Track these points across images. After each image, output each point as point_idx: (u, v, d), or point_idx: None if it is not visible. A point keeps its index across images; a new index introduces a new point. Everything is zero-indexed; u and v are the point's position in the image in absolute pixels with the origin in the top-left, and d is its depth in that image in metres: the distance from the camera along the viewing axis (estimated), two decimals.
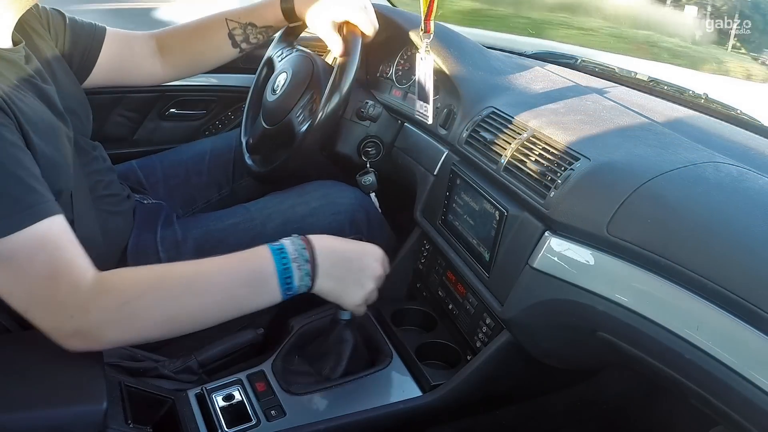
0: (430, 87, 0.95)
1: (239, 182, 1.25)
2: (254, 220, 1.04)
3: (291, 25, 1.13)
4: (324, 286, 0.76)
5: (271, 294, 0.73)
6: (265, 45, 1.22)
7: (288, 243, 0.75)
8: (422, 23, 0.92)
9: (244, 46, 1.11)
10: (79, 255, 0.67)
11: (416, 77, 0.98)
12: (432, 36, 0.93)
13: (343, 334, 0.90)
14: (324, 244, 0.77)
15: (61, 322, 0.65)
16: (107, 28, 1.02)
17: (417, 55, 0.98)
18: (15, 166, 0.64)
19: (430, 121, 0.97)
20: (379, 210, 1.18)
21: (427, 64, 0.95)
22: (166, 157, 1.24)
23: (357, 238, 1.08)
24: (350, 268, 0.78)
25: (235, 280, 0.71)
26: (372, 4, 1.08)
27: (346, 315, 0.88)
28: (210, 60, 1.13)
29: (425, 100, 0.96)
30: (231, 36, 1.09)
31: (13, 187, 0.63)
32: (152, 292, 0.67)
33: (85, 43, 0.98)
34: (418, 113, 0.98)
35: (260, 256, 0.73)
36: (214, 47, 1.10)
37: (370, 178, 1.20)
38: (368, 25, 1.02)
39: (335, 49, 1.03)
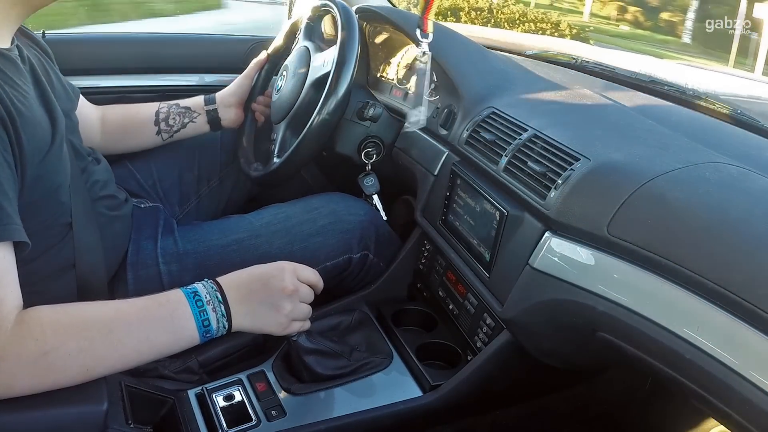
0: (426, 89, 0.94)
1: (225, 170, 1.25)
2: (260, 237, 1.02)
3: (207, 108, 1.21)
4: (242, 323, 0.76)
5: (190, 338, 0.72)
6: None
7: (201, 286, 0.74)
8: (420, 21, 0.90)
9: (162, 125, 1.17)
10: (14, 290, 0.64)
11: (414, 81, 0.95)
12: (431, 36, 0.92)
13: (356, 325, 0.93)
14: (230, 283, 0.76)
15: None
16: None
17: (415, 57, 0.96)
18: None
19: (424, 124, 0.96)
20: (383, 213, 1.18)
21: (425, 66, 0.94)
22: (158, 156, 1.23)
23: (364, 256, 1.08)
24: (259, 299, 0.77)
25: (153, 327, 0.69)
26: (372, 4, 1.08)
27: (293, 336, 0.86)
28: (133, 136, 1.17)
29: (419, 102, 0.94)
30: (156, 113, 1.16)
31: None
32: (73, 342, 0.64)
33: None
34: (410, 124, 0.95)
35: (177, 301, 0.72)
36: (138, 122, 1.17)
37: (371, 180, 1.20)
38: None
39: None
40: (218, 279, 0.77)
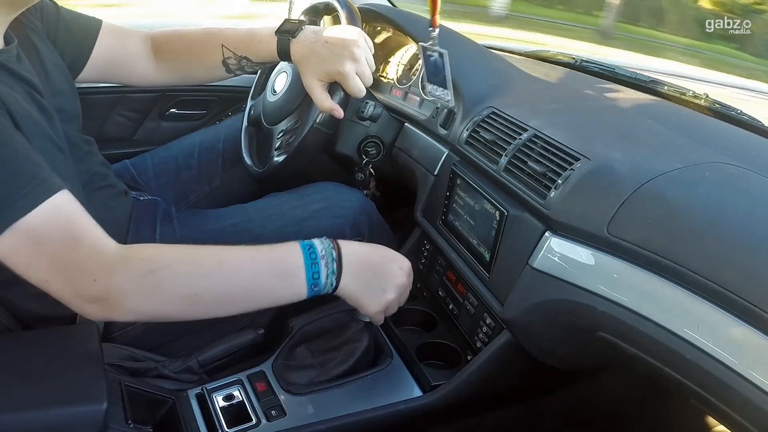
0: (448, 74, 0.95)
1: (228, 172, 1.25)
2: (253, 221, 1.04)
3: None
4: (348, 287, 0.77)
5: (298, 288, 0.73)
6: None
7: (317, 242, 0.76)
8: (430, 21, 0.94)
9: (238, 72, 1.07)
10: (98, 226, 0.68)
11: (423, 69, 0.98)
12: (438, 29, 0.94)
13: (358, 335, 0.91)
14: (350, 247, 0.78)
15: (82, 286, 0.65)
16: (103, 21, 0.99)
17: (425, 48, 0.97)
18: (22, 146, 0.66)
19: (452, 104, 0.99)
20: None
21: (440, 54, 0.95)
22: (157, 153, 1.25)
23: (357, 241, 1.08)
24: (374, 273, 0.78)
25: (264, 267, 0.71)
26: (372, 4, 1.08)
27: (366, 318, 0.89)
28: (203, 79, 1.12)
29: (443, 85, 0.97)
30: (225, 63, 1.04)
31: (25, 165, 0.65)
32: (180, 265, 0.67)
33: (79, 37, 0.95)
34: (431, 95, 0.97)
35: (290, 249, 0.74)
36: (207, 69, 1.07)
37: (361, 177, 1.21)
38: (354, 89, 0.96)
39: (320, 106, 0.99)
40: (339, 241, 0.77)
